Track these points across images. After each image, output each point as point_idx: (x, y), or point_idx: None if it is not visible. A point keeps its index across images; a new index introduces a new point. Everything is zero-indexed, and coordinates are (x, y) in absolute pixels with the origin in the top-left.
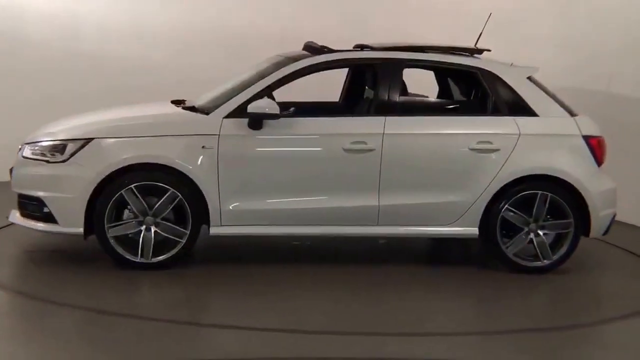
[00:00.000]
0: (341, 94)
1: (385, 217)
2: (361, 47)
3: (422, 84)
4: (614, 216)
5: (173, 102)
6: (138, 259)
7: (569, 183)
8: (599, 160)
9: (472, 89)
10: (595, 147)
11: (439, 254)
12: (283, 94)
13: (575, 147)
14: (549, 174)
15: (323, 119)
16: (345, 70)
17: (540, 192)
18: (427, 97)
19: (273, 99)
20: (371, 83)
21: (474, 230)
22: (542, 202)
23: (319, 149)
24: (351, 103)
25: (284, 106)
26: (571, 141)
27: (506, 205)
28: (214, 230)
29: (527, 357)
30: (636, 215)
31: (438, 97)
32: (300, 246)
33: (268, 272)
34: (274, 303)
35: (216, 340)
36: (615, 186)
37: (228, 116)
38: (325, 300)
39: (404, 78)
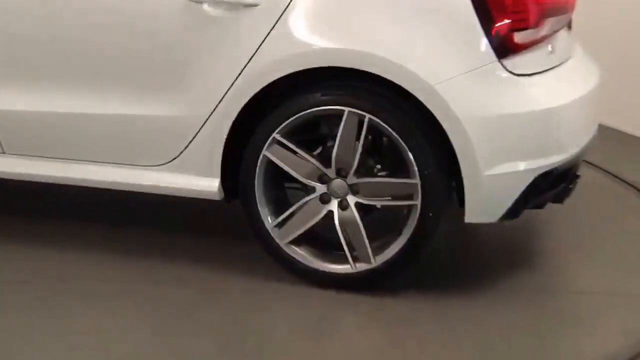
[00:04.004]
0: None
1: (15, 141)
2: None
3: None
4: (549, 175)
5: None
6: None
7: (410, 93)
8: (506, 42)
9: None
10: (496, 6)
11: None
12: None
13: (440, 9)
14: (361, 68)
15: None
16: None
17: (347, 109)
18: None
19: None
20: None
21: (210, 183)
22: (351, 130)
23: None
24: None
25: None
26: None
27: (274, 135)
28: None
29: None
30: None
31: None
32: None
33: None
34: None
35: None
36: (562, 104)
37: None
38: None
39: None
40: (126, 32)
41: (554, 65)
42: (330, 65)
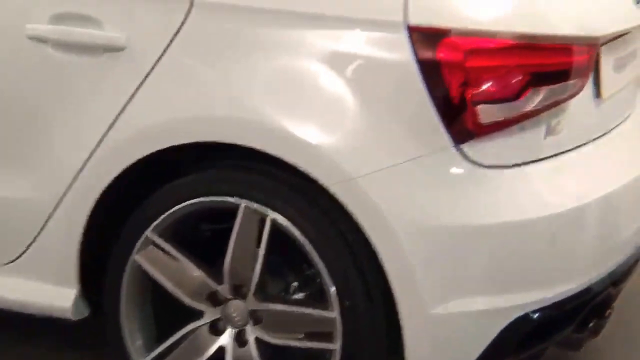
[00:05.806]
0: None
1: None
2: None
3: None
4: (541, 314)
5: None
6: None
7: (326, 189)
8: (467, 120)
9: None
10: (449, 62)
11: None
12: None
13: (367, 65)
14: (251, 145)
15: None
16: None
17: (243, 202)
18: None
19: None
20: None
21: (63, 295)
22: (249, 231)
23: None
24: None
25: None
26: (357, 47)
27: (148, 232)
28: None
29: None
30: None
31: None
32: None
33: None
34: None
35: None
36: (565, 209)
37: None
38: None
39: None
40: None
41: (565, 148)
42: (202, 140)
